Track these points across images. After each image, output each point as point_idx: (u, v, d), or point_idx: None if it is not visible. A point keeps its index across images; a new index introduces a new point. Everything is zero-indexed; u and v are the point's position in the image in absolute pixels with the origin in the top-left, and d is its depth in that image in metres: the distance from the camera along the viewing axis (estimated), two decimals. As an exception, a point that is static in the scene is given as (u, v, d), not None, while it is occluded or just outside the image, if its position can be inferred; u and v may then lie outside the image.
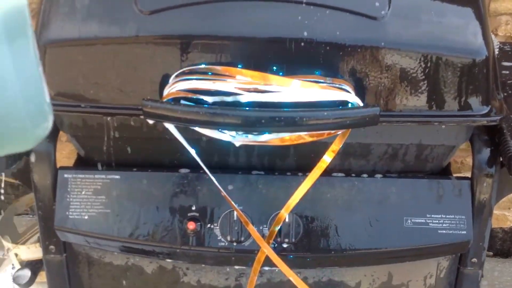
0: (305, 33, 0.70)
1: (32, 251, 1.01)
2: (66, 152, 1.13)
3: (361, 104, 0.70)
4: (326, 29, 0.71)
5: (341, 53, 0.71)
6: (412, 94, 0.73)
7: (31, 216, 1.41)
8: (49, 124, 0.49)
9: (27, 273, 1.00)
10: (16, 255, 1.02)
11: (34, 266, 1.01)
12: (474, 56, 0.73)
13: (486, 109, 0.75)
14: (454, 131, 0.79)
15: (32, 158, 0.83)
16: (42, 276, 0.99)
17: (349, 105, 0.70)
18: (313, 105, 0.69)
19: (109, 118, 0.77)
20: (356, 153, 0.83)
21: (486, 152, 0.81)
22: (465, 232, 0.82)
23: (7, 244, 1.02)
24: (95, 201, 0.84)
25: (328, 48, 0.71)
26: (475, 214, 0.82)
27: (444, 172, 0.86)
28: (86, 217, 0.83)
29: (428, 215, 0.82)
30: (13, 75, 0.44)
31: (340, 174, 0.84)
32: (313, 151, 0.79)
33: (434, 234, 0.81)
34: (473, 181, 0.82)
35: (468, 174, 0.84)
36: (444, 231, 0.82)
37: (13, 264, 1.05)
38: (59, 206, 0.84)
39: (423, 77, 0.73)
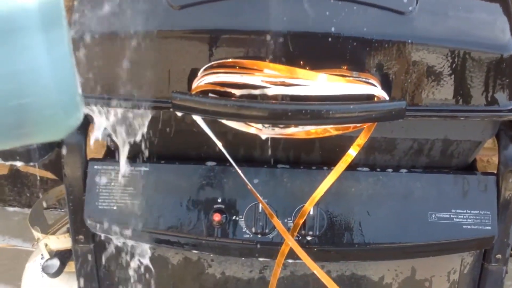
0: (333, 28, 0.71)
1: (61, 241, 1.03)
2: (93, 147, 1.16)
3: (387, 98, 0.71)
4: (354, 24, 0.71)
5: (368, 47, 0.72)
6: (438, 88, 0.74)
7: (59, 210, 1.44)
8: (80, 114, 0.50)
9: (56, 262, 1.02)
10: (46, 245, 1.05)
11: (63, 256, 1.03)
12: (502, 51, 0.73)
13: (513, 104, 0.75)
14: (480, 127, 0.79)
15: (64, 149, 0.85)
16: (71, 266, 1.01)
17: (375, 99, 0.71)
18: (339, 99, 0.70)
19: (138, 111, 0.79)
20: (382, 148, 0.83)
21: (512, 148, 0.81)
22: (489, 227, 0.82)
23: (37, 234, 1.05)
24: (124, 193, 0.86)
25: (355, 42, 0.72)
26: (500, 210, 0.82)
27: (470, 168, 0.86)
28: (114, 208, 0.85)
29: (453, 210, 0.82)
30: (47, 64, 0.45)
31: (365, 169, 0.85)
32: (338, 145, 0.80)
33: (458, 229, 0.82)
34: (499, 177, 0.82)
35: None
36: (468, 226, 0.82)
37: (42, 254, 1.08)
38: (89, 197, 0.86)
39: (450, 72, 0.73)
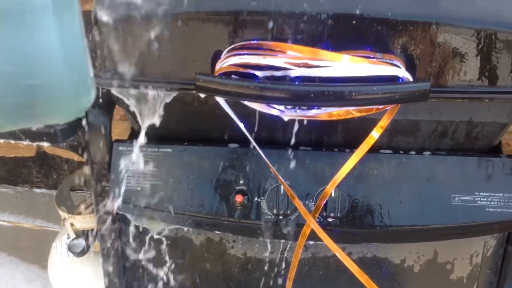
0: (357, 9, 0.71)
1: (87, 221, 1.05)
2: (118, 130, 1.17)
3: (411, 79, 0.70)
4: (378, 5, 0.71)
5: (392, 28, 0.71)
6: (463, 69, 0.73)
7: (85, 191, 1.46)
8: (91, 96, 0.50)
9: (81, 242, 1.04)
10: (72, 225, 1.07)
11: (89, 236, 1.05)
12: (529, 31, 0.72)
13: (539, 86, 0.73)
14: (506, 108, 0.78)
15: (89, 131, 0.86)
16: (96, 246, 1.03)
17: (399, 80, 0.70)
18: (363, 80, 0.70)
19: (162, 93, 0.80)
20: (405, 130, 0.83)
21: (538, 130, 0.80)
22: (514, 210, 0.81)
23: (63, 214, 1.07)
24: (148, 174, 0.87)
25: (379, 24, 0.71)
26: (525, 193, 0.82)
27: (495, 151, 0.85)
28: (138, 189, 0.87)
29: (476, 193, 0.81)
30: (58, 45, 0.45)
31: (387, 151, 0.84)
32: (361, 128, 0.80)
33: (482, 212, 0.81)
34: (524, 160, 0.81)
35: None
36: (492, 209, 0.81)
37: (68, 234, 1.10)
38: (113, 177, 0.87)
39: (476, 53, 0.72)
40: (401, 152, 0.84)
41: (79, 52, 0.47)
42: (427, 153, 0.84)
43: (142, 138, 0.84)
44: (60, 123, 0.52)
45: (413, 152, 0.84)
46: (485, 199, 0.81)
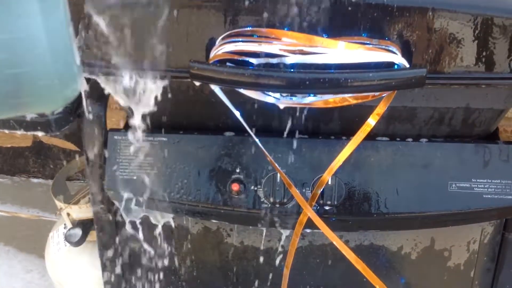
0: (352, -6, 0.70)
1: (84, 210, 1.05)
2: (115, 119, 1.16)
3: (408, 66, 0.70)
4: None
5: (388, 14, 0.70)
6: (460, 55, 0.72)
7: (82, 181, 1.46)
8: (77, 85, 0.49)
9: (78, 232, 1.04)
10: (68, 214, 1.07)
11: (85, 225, 1.05)
12: (526, 17, 0.71)
13: (537, 71, 0.73)
14: (503, 94, 0.78)
15: (84, 120, 0.85)
16: (93, 235, 1.03)
17: (395, 66, 0.70)
18: (359, 67, 0.69)
19: (156, 81, 0.79)
20: (401, 117, 0.82)
21: (535, 116, 0.79)
22: (511, 197, 0.81)
23: (59, 204, 1.07)
24: (143, 163, 0.86)
25: (375, 9, 0.70)
26: (523, 179, 0.81)
27: (492, 137, 0.85)
28: (134, 178, 0.86)
29: (473, 180, 0.81)
30: (42, 32, 0.44)
31: (384, 138, 0.84)
32: (358, 115, 0.79)
33: (479, 198, 0.81)
34: (521, 146, 0.81)
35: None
36: (489, 196, 0.81)
37: (65, 224, 1.10)
38: (109, 167, 0.87)
39: (473, 38, 0.71)
40: (398, 139, 0.84)
41: (64, 40, 0.46)
42: (424, 140, 0.83)
43: (137, 127, 0.84)
44: (46, 112, 0.51)
45: (410, 139, 0.84)
46: (482, 186, 0.81)
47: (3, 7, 0.42)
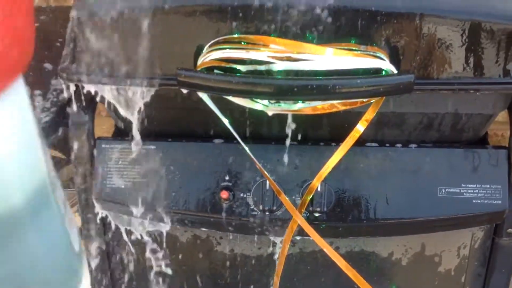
0: (341, 2, 0.70)
1: (71, 219, 1.04)
2: (105, 127, 1.16)
3: (396, 72, 0.70)
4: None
5: (376, 20, 0.70)
6: (448, 61, 0.72)
7: (72, 189, 1.44)
8: (81, 276, 0.50)
9: (66, 241, 1.03)
10: (56, 224, 1.05)
11: (74, 234, 1.04)
12: (514, 22, 0.71)
13: (525, 76, 0.73)
14: (492, 99, 0.78)
15: (71, 128, 0.85)
16: (81, 245, 1.02)
17: (383, 72, 0.69)
18: (347, 73, 0.69)
19: (144, 89, 0.79)
20: (390, 123, 0.82)
21: (524, 121, 0.79)
22: (500, 201, 0.81)
23: (47, 213, 1.06)
24: (132, 171, 0.86)
25: (363, 16, 0.70)
26: (512, 184, 0.81)
27: (481, 142, 0.85)
28: (122, 187, 0.85)
29: (463, 185, 0.81)
30: (43, 253, 0.46)
31: (373, 144, 0.84)
32: (347, 121, 0.79)
33: (468, 203, 0.81)
34: (510, 150, 0.81)
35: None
36: (479, 201, 0.81)
37: (53, 233, 1.08)
38: (97, 176, 0.86)
39: (461, 44, 0.71)
40: (387, 145, 0.84)
41: (63, 247, 0.47)
42: (413, 145, 0.83)
43: (125, 135, 0.83)
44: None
45: (399, 145, 0.83)
46: (472, 191, 0.81)
47: (3, 241, 0.43)
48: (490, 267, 0.90)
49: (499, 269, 0.89)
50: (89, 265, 0.94)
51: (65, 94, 0.81)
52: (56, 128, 0.84)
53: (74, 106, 0.83)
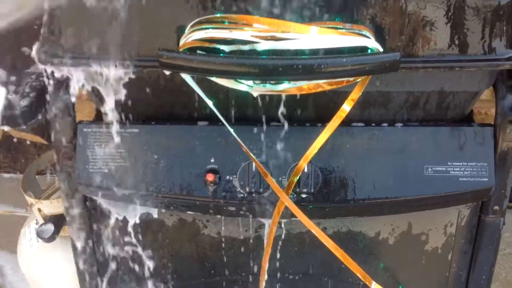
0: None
1: (55, 206, 1.03)
2: (87, 111, 1.14)
3: (381, 50, 0.69)
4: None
5: (360, -3, 0.69)
6: (433, 39, 0.71)
7: (54, 175, 1.43)
8: None
9: (50, 227, 1.02)
10: (39, 210, 1.04)
11: (57, 220, 1.03)
12: (499, -3, 0.70)
13: (510, 53, 0.72)
14: (477, 77, 0.77)
15: (51, 112, 0.83)
16: (66, 230, 1.01)
17: (369, 51, 0.68)
18: (332, 52, 0.68)
19: (125, 71, 0.77)
20: (376, 102, 0.82)
21: (510, 98, 0.79)
22: (487, 179, 0.81)
23: (30, 199, 1.04)
24: (115, 155, 0.84)
25: (347, -8, 0.69)
26: (498, 161, 0.81)
27: (467, 120, 0.85)
28: (106, 171, 0.84)
29: (449, 163, 0.81)
30: None
31: (359, 124, 0.83)
32: (332, 101, 0.78)
33: (455, 181, 0.81)
34: (496, 128, 0.81)
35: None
36: (465, 179, 0.81)
37: (36, 219, 1.07)
38: (79, 160, 0.84)
39: (446, 21, 0.71)
40: (373, 124, 0.83)
41: None
42: (399, 124, 0.83)
43: (107, 119, 0.81)
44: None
45: (385, 124, 0.83)
46: (458, 169, 0.81)
47: None
48: (476, 245, 0.90)
49: (486, 246, 0.90)
50: (74, 249, 0.93)
51: (44, 78, 0.79)
52: (36, 113, 0.82)
53: (54, 90, 0.81)
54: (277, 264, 0.94)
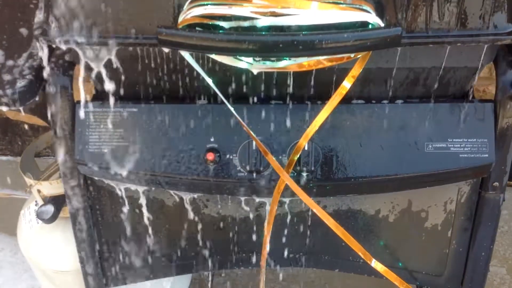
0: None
1: (54, 186, 1.02)
2: (84, 92, 1.13)
3: (382, 25, 0.68)
4: None
5: (360, -28, 0.68)
6: (434, 13, 0.71)
7: (52, 157, 1.42)
8: None
9: (50, 208, 1.01)
10: (39, 191, 1.04)
11: (57, 201, 1.02)
12: (500, -29, 0.70)
13: (511, 27, 0.72)
14: (478, 52, 0.77)
15: (49, 92, 0.82)
16: (66, 211, 1.01)
17: (370, 26, 0.68)
18: (332, 28, 0.67)
19: (123, 49, 0.76)
20: (376, 79, 0.81)
21: (510, 74, 0.79)
22: (487, 155, 0.81)
23: (29, 180, 1.04)
24: (114, 135, 0.84)
25: (347, -33, 0.68)
26: (498, 137, 0.81)
27: (467, 97, 0.84)
28: (105, 150, 0.84)
29: (449, 140, 0.81)
30: None
31: (360, 101, 0.83)
32: (333, 79, 0.78)
33: (455, 158, 0.81)
34: (496, 104, 0.81)
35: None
36: (465, 155, 0.81)
37: (36, 201, 1.07)
38: (78, 140, 0.84)
39: (447, -5, 0.70)
40: (373, 101, 0.83)
41: None
42: (400, 101, 0.83)
43: (106, 97, 0.81)
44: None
45: (385, 101, 0.83)
46: (458, 145, 0.81)
47: None
48: (476, 221, 0.90)
49: (485, 223, 0.90)
50: (75, 230, 0.93)
51: (42, 57, 0.78)
52: (34, 92, 0.81)
53: (51, 69, 0.80)
54: (278, 242, 0.95)
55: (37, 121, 1.47)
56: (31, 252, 1.11)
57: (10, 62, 0.83)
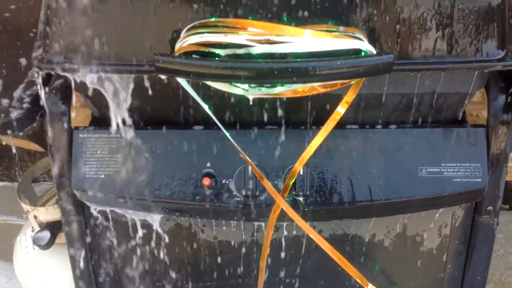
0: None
1: (51, 212, 1.02)
2: (81, 118, 1.14)
3: (375, 52, 0.70)
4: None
5: (354, 1, 0.70)
6: (426, 41, 0.72)
7: (49, 182, 1.42)
8: None
9: (46, 234, 1.01)
10: (35, 217, 1.04)
11: (53, 227, 1.02)
12: (489, -1, 0.71)
13: (501, 54, 0.73)
14: (469, 78, 0.78)
15: (47, 119, 0.83)
16: (62, 237, 1.01)
17: (363, 53, 0.69)
18: (326, 55, 0.68)
19: (121, 76, 0.77)
20: (370, 104, 0.82)
21: (502, 99, 0.80)
22: (480, 179, 0.82)
23: (26, 206, 1.04)
24: (111, 160, 0.84)
25: (340, -4, 0.70)
26: (491, 162, 0.82)
27: (460, 122, 0.86)
28: (102, 176, 0.84)
29: (443, 164, 0.82)
30: None
31: (354, 126, 0.84)
32: (327, 104, 0.79)
33: (449, 182, 0.82)
34: (489, 129, 0.82)
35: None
36: (459, 180, 0.82)
37: (32, 227, 1.07)
38: (75, 166, 0.84)
39: (437, 23, 0.72)
40: (367, 126, 0.84)
41: None
42: (393, 126, 0.84)
43: (106, 125, 0.81)
44: None
45: (379, 126, 0.84)
46: (452, 170, 0.82)
47: None
48: (471, 245, 0.91)
49: (480, 247, 0.90)
50: (71, 256, 0.93)
51: (40, 84, 0.79)
52: (32, 119, 0.82)
53: (49, 95, 0.81)
54: (275, 267, 0.95)
55: (35, 146, 1.48)
56: (27, 278, 1.10)
57: (8, 89, 0.84)
